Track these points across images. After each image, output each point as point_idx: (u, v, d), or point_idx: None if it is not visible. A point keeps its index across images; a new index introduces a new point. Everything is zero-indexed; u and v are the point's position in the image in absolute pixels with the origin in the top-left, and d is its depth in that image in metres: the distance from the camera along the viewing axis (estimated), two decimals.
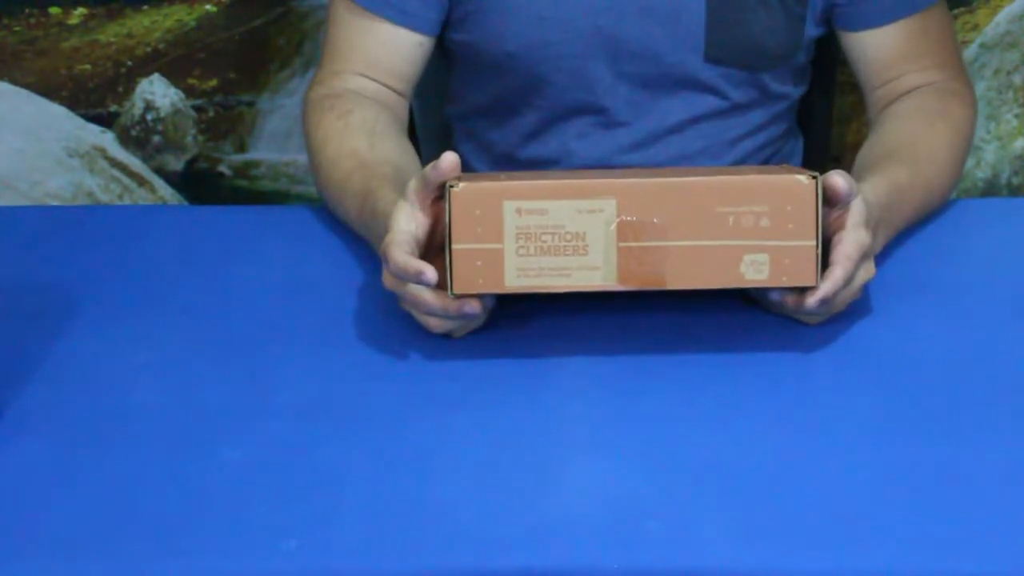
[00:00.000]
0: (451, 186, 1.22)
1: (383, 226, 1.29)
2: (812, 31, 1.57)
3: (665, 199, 1.23)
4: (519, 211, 1.22)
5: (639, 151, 1.59)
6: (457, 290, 1.24)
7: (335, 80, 1.56)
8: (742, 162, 1.62)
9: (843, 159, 2.08)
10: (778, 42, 1.54)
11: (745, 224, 1.23)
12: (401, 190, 1.29)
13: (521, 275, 1.24)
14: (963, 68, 1.60)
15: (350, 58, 1.56)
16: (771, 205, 1.23)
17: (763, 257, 1.24)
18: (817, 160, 1.76)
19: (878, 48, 1.56)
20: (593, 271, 1.24)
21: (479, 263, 1.23)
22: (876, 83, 1.57)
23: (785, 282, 1.24)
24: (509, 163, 1.64)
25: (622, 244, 1.23)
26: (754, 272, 1.24)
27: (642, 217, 1.23)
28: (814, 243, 1.23)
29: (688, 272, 1.24)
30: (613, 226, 1.22)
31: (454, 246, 1.23)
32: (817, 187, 1.22)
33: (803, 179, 1.22)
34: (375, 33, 1.55)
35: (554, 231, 1.23)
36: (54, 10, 1.99)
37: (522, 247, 1.23)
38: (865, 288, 1.35)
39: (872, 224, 1.29)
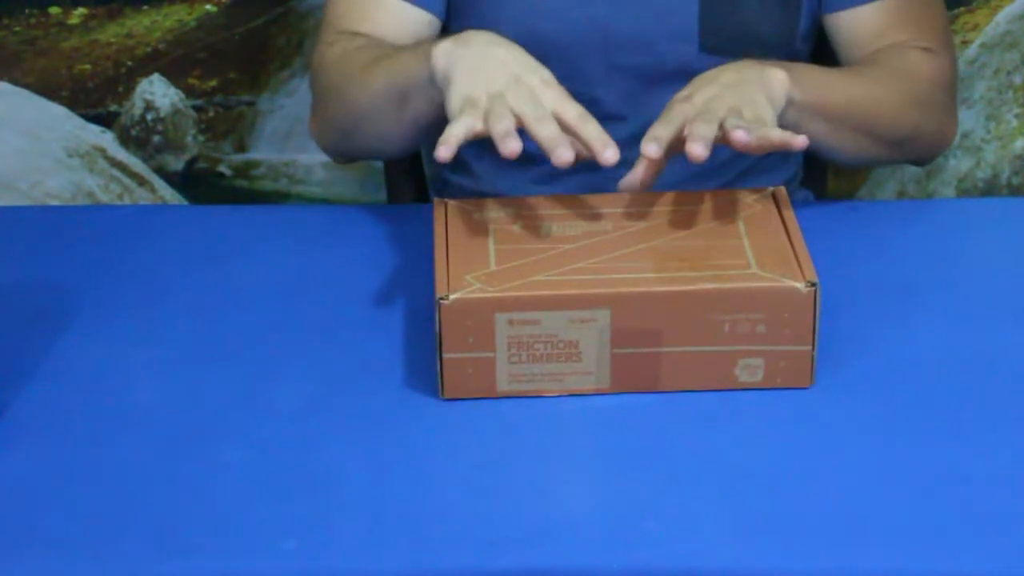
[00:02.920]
0: (441, 298, 1.20)
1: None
2: (805, 24, 1.57)
3: (660, 308, 1.21)
4: (511, 322, 1.21)
5: (635, 146, 1.59)
6: (448, 396, 1.24)
7: (340, 36, 1.54)
8: (738, 157, 1.61)
9: None
10: (773, 29, 1.54)
11: (741, 331, 1.22)
12: None
13: (513, 381, 1.23)
14: (946, 42, 1.59)
15: (355, 25, 1.54)
16: (768, 312, 1.21)
17: (758, 361, 1.23)
18: (817, 163, 1.76)
19: (859, 28, 1.55)
20: (586, 376, 1.23)
21: (470, 371, 1.22)
22: (854, 60, 1.57)
23: (779, 383, 1.24)
24: (502, 157, 1.63)
25: (616, 351, 1.22)
26: (748, 375, 1.24)
27: (637, 325, 1.22)
28: (810, 348, 1.23)
29: (682, 376, 1.24)
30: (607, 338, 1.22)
31: (445, 355, 1.22)
32: (816, 295, 1.21)
33: (801, 287, 1.21)
34: (385, 6, 1.54)
35: (547, 340, 1.22)
36: (54, 10, 1.99)
37: (514, 355, 1.22)
38: (865, 288, 1.36)
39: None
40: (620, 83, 1.56)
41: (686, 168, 1.59)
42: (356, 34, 1.54)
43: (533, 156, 1.62)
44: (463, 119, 1.28)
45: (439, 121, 1.36)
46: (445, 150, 1.25)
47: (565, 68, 1.55)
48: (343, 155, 1.60)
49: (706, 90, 1.34)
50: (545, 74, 1.33)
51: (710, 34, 1.53)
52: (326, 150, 1.59)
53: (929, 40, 1.56)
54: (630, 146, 1.59)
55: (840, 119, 1.45)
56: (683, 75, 1.55)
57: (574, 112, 1.30)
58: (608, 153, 1.27)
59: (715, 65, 1.53)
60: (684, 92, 1.36)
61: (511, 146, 1.25)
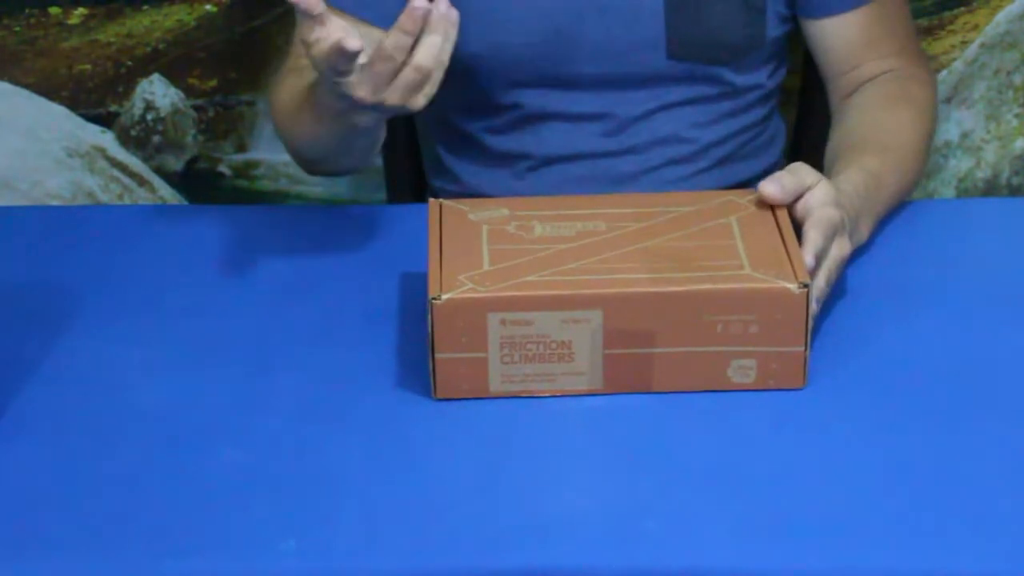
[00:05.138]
0: (433, 298, 1.20)
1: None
2: (777, 29, 1.57)
3: (653, 309, 1.21)
4: (503, 322, 1.21)
5: (611, 138, 1.59)
6: (440, 396, 1.24)
7: (289, 71, 1.56)
8: (717, 145, 1.61)
9: None
10: (738, 35, 1.55)
11: (734, 331, 1.22)
12: None
13: (506, 381, 1.23)
14: (920, 50, 1.63)
15: None
16: (761, 314, 1.21)
17: (751, 363, 1.23)
18: (815, 160, 1.76)
19: (839, 36, 1.57)
20: (579, 376, 1.23)
21: (463, 370, 1.22)
22: (837, 71, 1.59)
23: (772, 385, 1.24)
24: (482, 154, 1.64)
25: (608, 351, 1.22)
26: (741, 376, 1.24)
27: (629, 326, 1.22)
28: (803, 349, 1.23)
29: (674, 377, 1.24)
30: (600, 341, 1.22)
31: (437, 355, 1.22)
32: (808, 296, 1.21)
33: (794, 288, 1.21)
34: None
35: (539, 340, 1.22)
36: (54, 10, 1.99)
37: (507, 355, 1.22)
38: (864, 288, 1.36)
39: (840, 204, 1.31)
40: (590, 89, 1.57)
41: (663, 155, 1.60)
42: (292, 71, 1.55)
43: (512, 154, 1.62)
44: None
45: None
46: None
47: (535, 77, 1.56)
48: (311, 172, 1.62)
49: (838, 249, 1.31)
50: None
51: (677, 42, 1.53)
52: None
53: (912, 52, 1.59)
54: (605, 137, 1.60)
55: (891, 207, 1.48)
56: (652, 81, 1.56)
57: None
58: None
59: (683, 71, 1.54)
60: (836, 211, 1.31)
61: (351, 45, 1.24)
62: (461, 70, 1.58)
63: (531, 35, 1.53)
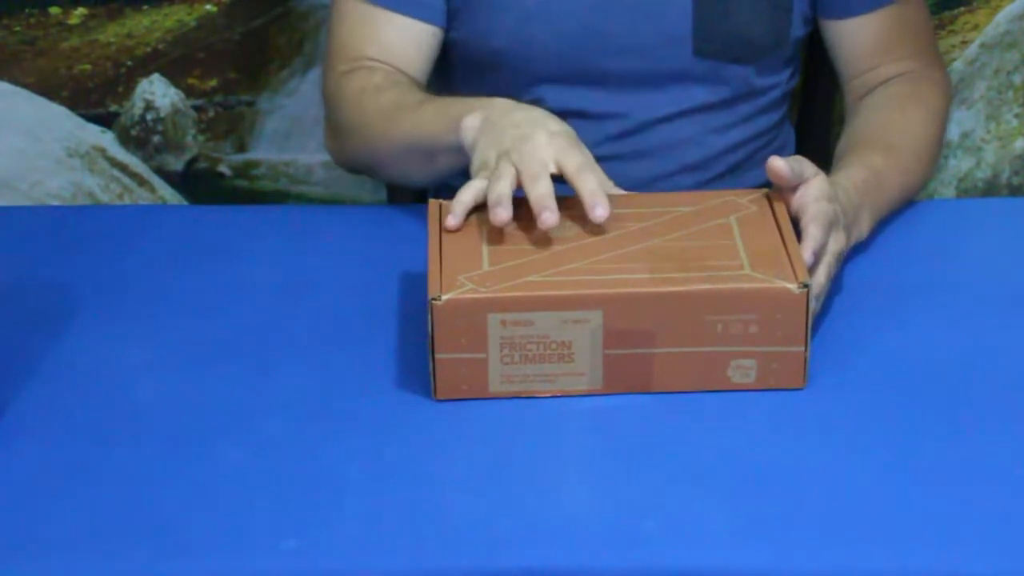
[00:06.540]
0: (433, 298, 1.20)
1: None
2: (800, 29, 1.58)
3: (653, 309, 1.21)
4: (503, 322, 1.21)
5: (627, 140, 1.59)
6: (440, 396, 1.24)
7: (352, 64, 1.56)
8: (731, 150, 1.61)
9: None
10: (764, 32, 1.55)
11: (734, 331, 1.22)
12: None
13: (505, 381, 1.23)
14: (937, 54, 1.64)
15: (364, 48, 1.55)
16: (761, 313, 1.21)
17: (751, 363, 1.23)
18: (817, 161, 1.76)
19: (858, 37, 1.58)
20: (579, 377, 1.23)
21: (463, 370, 1.22)
22: (853, 72, 1.60)
23: (772, 384, 1.24)
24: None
25: (608, 352, 1.22)
26: (741, 376, 1.24)
27: (630, 326, 1.22)
28: (803, 349, 1.23)
29: (674, 377, 1.23)
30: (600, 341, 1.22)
31: (437, 356, 1.22)
32: (808, 296, 1.21)
33: (794, 288, 1.21)
34: (390, 25, 1.55)
35: (539, 340, 1.21)
36: (54, 10, 1.99)
37: (507, 356, 1.22)
38: (864, 288, 1.36)
39: (835, 198, 1.32)
40: (616, 86, 1.57)
41: (677, 160, 1.60)
42: (374, 64, 1.55)
43: None
44: (471, 184, 1.30)
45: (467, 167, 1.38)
46: (453, 219, 1.28)
47: (559, 73, 1.56)
48: (363, 174, 1.62)
49: (835, 243, 1.32)
50: (553, 126, 1.34)
51: (703, 39, 1.53)
52: (343, 167, 1.60)
53: (929, 56, 1.59)
54: (621, 139, 1.60)
55: (894, 206, 1.49)
56: (678, 78, 1.56)
57: (573, 165, 1.30)
58: (597, 212, 1.27)
59: (708, 69, 1.55)
60: (829, 206, 1.32)
61: (499, 216, 1.26)
62: (485, 65, 1.58)
63: (559, 30, 1.53)
